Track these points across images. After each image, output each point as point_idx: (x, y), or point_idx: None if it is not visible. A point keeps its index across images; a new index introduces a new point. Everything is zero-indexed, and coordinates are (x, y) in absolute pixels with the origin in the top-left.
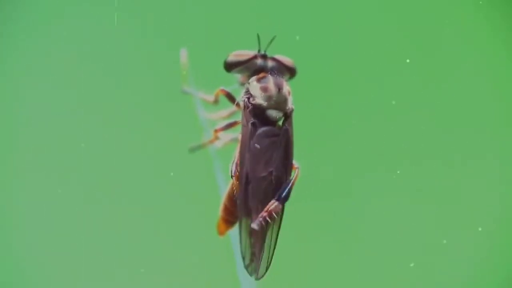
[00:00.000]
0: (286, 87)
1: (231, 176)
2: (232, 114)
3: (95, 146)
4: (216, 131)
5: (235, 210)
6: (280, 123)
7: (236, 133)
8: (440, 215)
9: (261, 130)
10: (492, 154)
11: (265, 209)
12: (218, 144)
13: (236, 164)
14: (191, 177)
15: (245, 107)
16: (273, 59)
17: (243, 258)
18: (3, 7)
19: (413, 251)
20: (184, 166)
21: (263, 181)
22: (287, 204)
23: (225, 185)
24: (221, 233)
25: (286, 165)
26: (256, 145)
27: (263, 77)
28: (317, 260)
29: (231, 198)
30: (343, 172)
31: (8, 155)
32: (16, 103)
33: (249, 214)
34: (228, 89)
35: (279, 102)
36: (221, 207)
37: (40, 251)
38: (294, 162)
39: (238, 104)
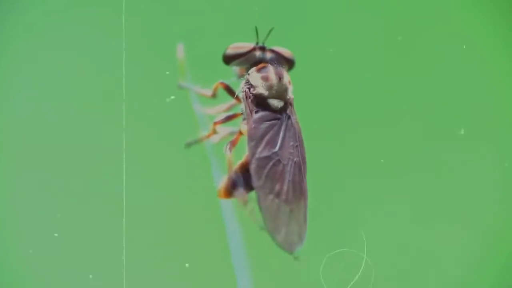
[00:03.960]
0: (287, 77)
1: (225, 152)
2: (231, 107)
3: (91, 144)
4: (215, 123)
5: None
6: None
7: (233, 127)
8: (437, 218)
9: (258, 115)
10: (490, 156)
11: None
12: (214, 138)
13: (232, 143)
14: (187, 173)
15: (247, 97)
16: (272, 50)
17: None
18: (3, 4)
19: (411, 253)
20: (180, 161)
21: (266, 161)
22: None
23: (221, 179)
24: (221, 196)
25: (296, 147)
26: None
27: (264, 67)
28: (312, 260)
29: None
30: (337, 175)
31: (7, 156)
32: (16, 104)
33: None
34: (227, 82)
35: (280, 92)
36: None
37: (40, 251)
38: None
39: (237, 97)
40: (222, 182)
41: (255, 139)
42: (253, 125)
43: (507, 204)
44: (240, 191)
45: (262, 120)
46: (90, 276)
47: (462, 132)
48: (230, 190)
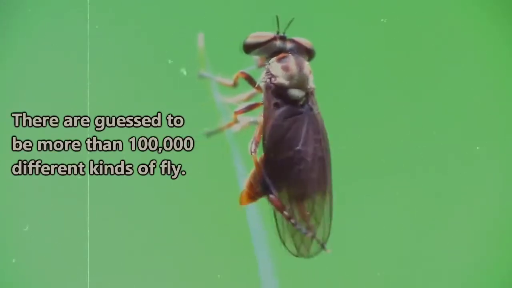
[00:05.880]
0: (307, 67)
1: (250, 153)
2: (252, 97)
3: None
4: (236, 113)
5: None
6: (302, 102)
7: (254, 116)
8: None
9: (281, 109)
10: (490, 158)
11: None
12: (236, 128)
13: (256, 141)
14: (209, 163)
15: (267, 87)
16: (292, 40)
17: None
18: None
19: (412, 253)
20: (201, 151)
21: (290, 160)
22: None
23: (243, 169)
24: (242, 203)
25: (320, 141)
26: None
27: (284, 57)
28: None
29: (255, 176)
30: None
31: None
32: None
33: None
34: (248, 72)
35: (301, 81)
36: (246, 182)
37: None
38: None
39: (258, 87)
40: (244, 187)
41: (276, 138)
42: (274, 123)
43: (509, 205)
44: (272, 197)
45: (284, 116)
46: None
47: (467, 134)
48: (253, 194)
